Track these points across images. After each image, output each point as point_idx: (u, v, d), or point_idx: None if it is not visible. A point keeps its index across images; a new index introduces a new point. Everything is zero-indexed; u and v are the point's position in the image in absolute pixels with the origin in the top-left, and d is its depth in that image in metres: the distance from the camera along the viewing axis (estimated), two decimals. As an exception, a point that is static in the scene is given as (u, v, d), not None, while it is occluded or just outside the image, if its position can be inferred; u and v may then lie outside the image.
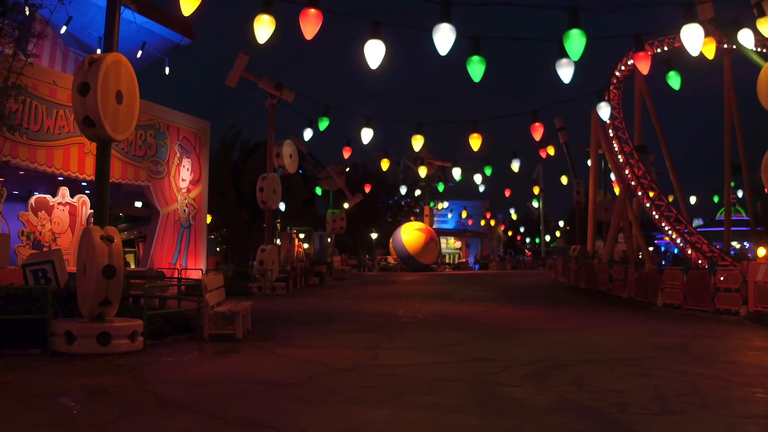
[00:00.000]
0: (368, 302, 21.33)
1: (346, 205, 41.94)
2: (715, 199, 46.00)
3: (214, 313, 12.46)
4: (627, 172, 29.30)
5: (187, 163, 26.86)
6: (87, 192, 25.48)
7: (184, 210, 26.78)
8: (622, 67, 32.28)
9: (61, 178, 20.42)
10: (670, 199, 31.64)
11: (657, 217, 27.49)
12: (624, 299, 22.11)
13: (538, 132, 21.96)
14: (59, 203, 21.83)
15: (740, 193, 41.40)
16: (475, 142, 22.33)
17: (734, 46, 32.33)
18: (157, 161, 25.00)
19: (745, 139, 31.84)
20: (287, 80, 25.91)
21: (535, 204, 71.31)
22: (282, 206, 40.16)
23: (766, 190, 17.67)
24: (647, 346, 12.18)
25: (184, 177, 26.73)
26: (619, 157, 29.91)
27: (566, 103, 23.80)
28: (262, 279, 25.31)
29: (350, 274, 38.15)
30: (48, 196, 21.50)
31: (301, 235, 45.17)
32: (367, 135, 24.10)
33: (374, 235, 53.99)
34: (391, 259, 50.48)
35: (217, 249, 32.84)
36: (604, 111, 20.36)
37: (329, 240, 42.52)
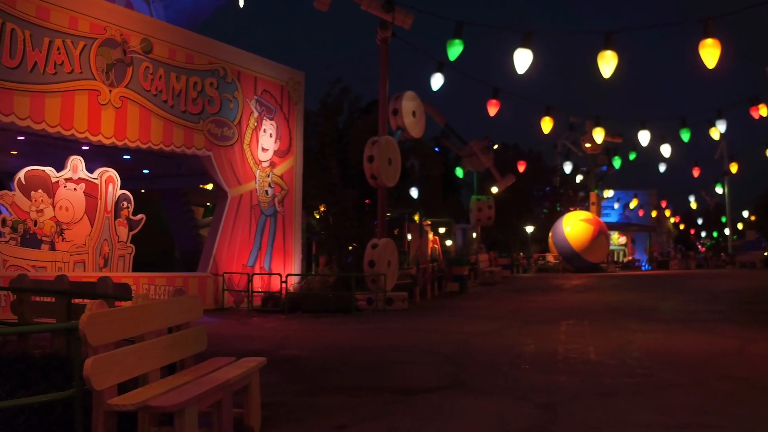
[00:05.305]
0: (534, 328, 12.72)
1: (494, 190, 33.22)
2: None
3: (114, 409, 4.41)
4: None
5: (269, 127, 19.40)
6: (127, 157, 18.30)
7: (267, 191, 19.29)
8: None
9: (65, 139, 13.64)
10: None
11: None
12: None
13: None
14: (68, 180, 14.91)
15: None
16: (710, 52, 12.98)
17: None
18: (221, 121, 17.67)
19: None
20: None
21: (719, 189, 58.55)
22: (414, 192, 32.11)
23: None
24: None
25: (266, 146, 19.27)
26: None
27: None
28: (374, 287, 17.42)
29: (500, 277, 29.37)
30: (49, 169, 14.61)
31: (441, 229, 36.93)
32: (523, 59, 15.26)
33: (529, 229, 44.73)
34: (551, 258, 41.11)
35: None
36: None
37: (474, 235, 33.97)
